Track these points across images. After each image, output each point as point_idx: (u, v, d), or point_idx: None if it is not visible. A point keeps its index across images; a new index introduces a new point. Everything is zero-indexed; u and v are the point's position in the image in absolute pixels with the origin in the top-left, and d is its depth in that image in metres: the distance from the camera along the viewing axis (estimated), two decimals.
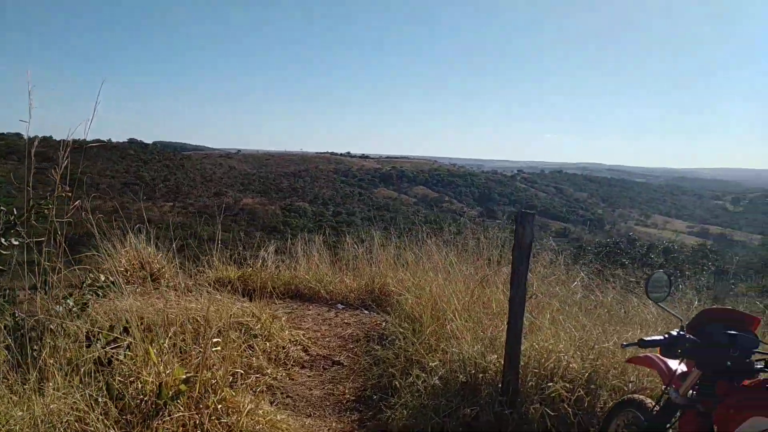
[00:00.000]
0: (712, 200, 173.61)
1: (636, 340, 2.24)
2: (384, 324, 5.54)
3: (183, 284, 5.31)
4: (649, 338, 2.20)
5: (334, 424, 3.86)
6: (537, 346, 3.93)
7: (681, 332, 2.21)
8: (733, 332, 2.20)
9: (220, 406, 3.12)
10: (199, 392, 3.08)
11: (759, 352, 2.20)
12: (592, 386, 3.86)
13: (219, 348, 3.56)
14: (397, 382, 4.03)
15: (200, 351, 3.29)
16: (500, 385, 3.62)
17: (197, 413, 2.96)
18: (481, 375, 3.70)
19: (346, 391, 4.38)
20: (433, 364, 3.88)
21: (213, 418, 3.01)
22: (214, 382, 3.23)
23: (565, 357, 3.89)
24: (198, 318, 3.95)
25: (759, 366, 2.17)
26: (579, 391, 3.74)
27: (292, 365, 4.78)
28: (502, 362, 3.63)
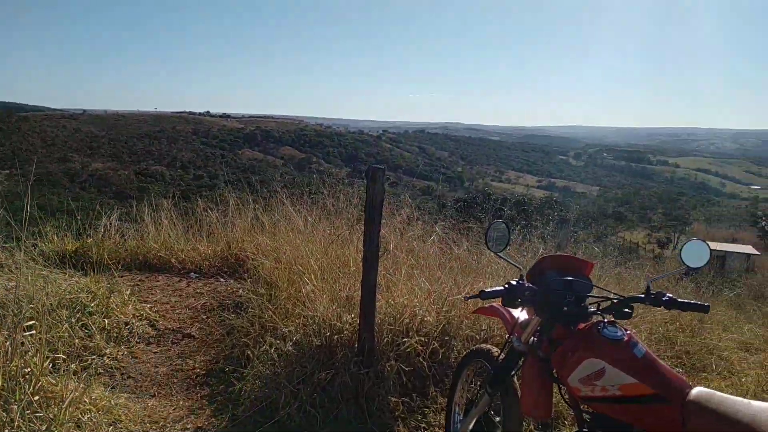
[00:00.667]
0: (558, 155, 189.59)
1: (478, 292, 2.21)
2: (240, 291, 5.26)
3: None
4: (489, 289, 2.19)
5: (181, 402, 3.57)
6: (392, 302, 3.91)
7: (520, 281, 2.22)
8: (568, 278, 2.25)
9: (36, 398, 2.71)
10: (6, 385, 2.65)
11: (592, 296, 2.27)
12: (446, 338, 3.93)
13: (34, 332, 3.09)
14: (250, 352, 3.82)
15: (8, 336, 2.82)
16: (356, 346, 3.55)
17: (3, 411, 2.53)
18: (336, 337, 3.60)
19: (196, 365, 4.09)
20: (288, 329, 3.71)
21: (27, 413, 2.61)
22: (27, 371, 2.80)
23: (420, 311, 3.91)
24: (7, 300, 3.41)
25: (592, 309, 2.23)
26: (434, 344, 3.79)
27: (136, 342, 4.37)
28: (358, 322, 3.55)
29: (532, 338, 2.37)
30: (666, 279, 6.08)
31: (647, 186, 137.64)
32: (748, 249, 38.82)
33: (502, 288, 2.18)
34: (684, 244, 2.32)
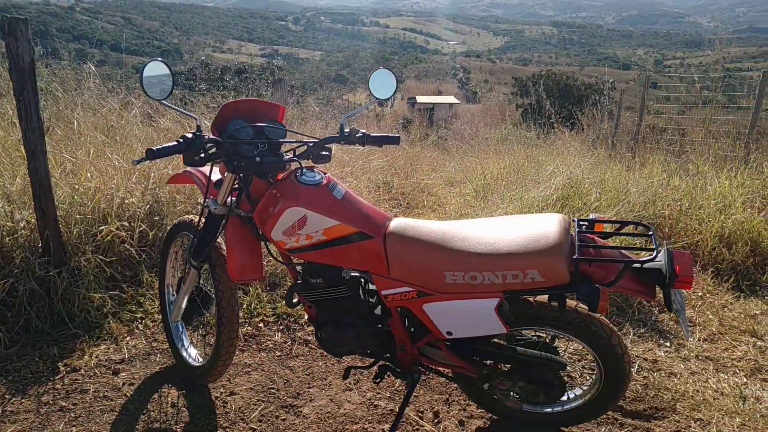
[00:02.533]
0: (277, 21, 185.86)
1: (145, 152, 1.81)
2: None
3: None
4: (159, 147, 1.81)
5: None
6: (79, 188, 3.30)
7: (198, 133, 1.90)
8: (258, 125, 2.01)
9: None
10: None
11: (288, 142, 2.08)
12: (156, 218, 3.52)
13: None
14: None
15: None
16: (39, 246, 2.94)
17: None
18: (9, 239, 2.92)
19: None
20: None
21: None
22: None
23: (119, 194, 3.39)
24: None
25: (288, 157, 2.05)
26: (142, 227, 3.36)
27: None
28: (36, 217, 2.91)
29: (230, 198, 2.13)
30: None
31: (364, 48, 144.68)
32: (451, 99, 44.24)
33: (176, 143, 1.83)
34: (371, 75, 2.22)
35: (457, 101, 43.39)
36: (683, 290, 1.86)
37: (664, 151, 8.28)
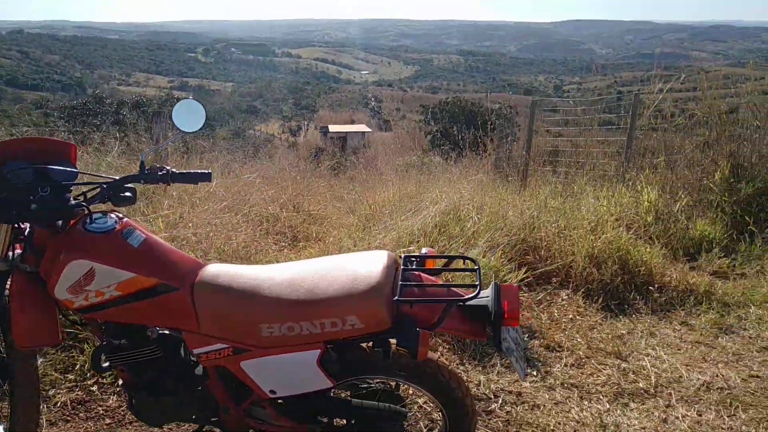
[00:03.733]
0: (186, 53, 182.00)
1: None
2: None
3: None
4: None
5: None
6: None
7: None
8: (40, 166, 1.75)
9: None
10: None
11: (76, 184, 1.82)
12: None
13: None
14: None
15: None
16: None
17: None
18: None
19: None
20: None
21: None
22: None
23: None
24: None
25: (77, 201, 1.79)
26: None
27: None
28: None
29: (15, 251, 1.84)
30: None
31: (276, 78, 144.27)
32: (363, 127, 44.71)
33: None
34: (174, 106, 2.00)
35: (369, 130, 43.90)
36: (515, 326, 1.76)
37: (552, 173, 8.59)
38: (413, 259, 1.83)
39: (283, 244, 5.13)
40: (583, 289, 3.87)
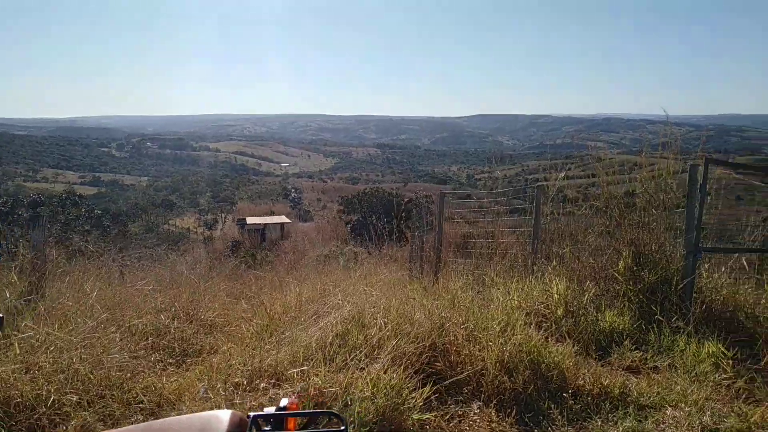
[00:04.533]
0: (99, 148, 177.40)
1: None
2: None
3: None
4: None
5: None
6: None
7: None
8: None
9: None
10: None
11: None
12: None
13: None
14: None
15: None
16: None
17: None
18: None
19: None
20: None
21: None
22: None
23: None
24: None
25: None
26: None
27: None
28: None
29: None
30: None
31: (194, 171, 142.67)
32: (282, 219, 44.30)
33: None
34: None
35: (289, 221, 43.52)
36: None
37: (464, 263, 8.51)
38: (265, 419, 1.46)
39: (170, 361, 4.56)
40: (495, 400, 3.57)
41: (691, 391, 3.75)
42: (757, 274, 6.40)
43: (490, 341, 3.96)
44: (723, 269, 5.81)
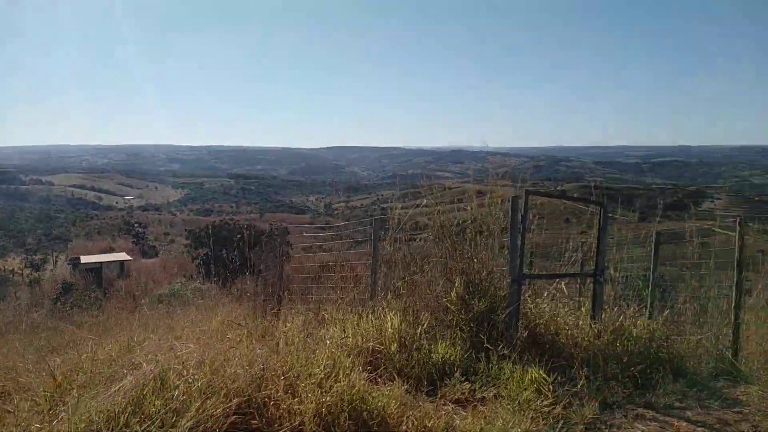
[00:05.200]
0: None
1: None
2: None
3: None
4: None
5: None
6: None
7: None
8: None
9: None
10: None
11: None
12: None
13: None
14: None
15: None
16: None
17: None
18: None
19: None
20: None
21: None
22: None
23: None
24: None
25: None
26: None
27: None
28: None
29: None
30: None
31: (22, 207, 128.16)
32: (122, 256, 40.79)
33: None
34: None
35: (129, 257, 40.17)
36: None
37: (305, 300, 8.18)
38: None
39: None
40: None
41: (513, 424, 3.71)
42: (579, 297, 6.81)
43: (310, 392, 3.62)
44: (545, 294, 6.06)
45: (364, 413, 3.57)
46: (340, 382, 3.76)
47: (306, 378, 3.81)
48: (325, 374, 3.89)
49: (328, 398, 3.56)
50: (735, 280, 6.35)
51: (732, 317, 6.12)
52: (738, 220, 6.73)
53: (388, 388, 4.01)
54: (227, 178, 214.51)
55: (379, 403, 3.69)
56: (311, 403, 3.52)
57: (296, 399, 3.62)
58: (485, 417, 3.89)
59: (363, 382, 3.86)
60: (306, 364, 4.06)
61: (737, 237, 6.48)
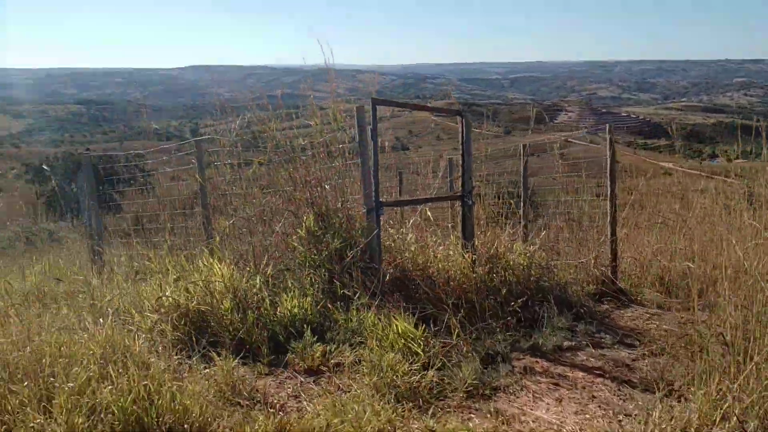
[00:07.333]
0: None
1: None
2: None
3: None
4: None
5: None
6: None
7: None
8: None
9: None
10: None
11: None
12: None
13: None
14: None
15: None
16: None
17: None
18: None
19: None
20: None
21: None
22: None
23: None
24: None
25: None
26: None
27: None
28: None
29: None
30: None
31: None
32: None
33: None
34: None
35: None
36: None
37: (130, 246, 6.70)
38: None
39: None
40: None
41: (371, 413, 2.76)
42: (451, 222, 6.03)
43: (64, 405, 2.40)
44: (410, 223, 5.15)
45: (152, 429, 2.41)
46: (121, 382, 2.55)
47: (66, 382, 2.56)
48: (97, 374, 2.65)
49: (85, 411, 2.33)
50: (609, 192, 5.87)
51: (608, 232, 5.67)
52: (608, 127, 6.23)
53: (197, 384, 2.85)
54: (75, 104, 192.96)
55: (180, 406, 2.54)
56: (63, 422, 2.29)
57: (45, 416, 2.38)
58: (335, 404, 2.88)
59: (157, 369, 2.68)
60: (73, 353, 2.79)
61: (608, 145, 5.95)
